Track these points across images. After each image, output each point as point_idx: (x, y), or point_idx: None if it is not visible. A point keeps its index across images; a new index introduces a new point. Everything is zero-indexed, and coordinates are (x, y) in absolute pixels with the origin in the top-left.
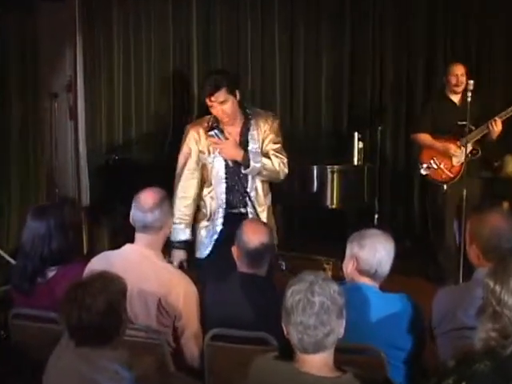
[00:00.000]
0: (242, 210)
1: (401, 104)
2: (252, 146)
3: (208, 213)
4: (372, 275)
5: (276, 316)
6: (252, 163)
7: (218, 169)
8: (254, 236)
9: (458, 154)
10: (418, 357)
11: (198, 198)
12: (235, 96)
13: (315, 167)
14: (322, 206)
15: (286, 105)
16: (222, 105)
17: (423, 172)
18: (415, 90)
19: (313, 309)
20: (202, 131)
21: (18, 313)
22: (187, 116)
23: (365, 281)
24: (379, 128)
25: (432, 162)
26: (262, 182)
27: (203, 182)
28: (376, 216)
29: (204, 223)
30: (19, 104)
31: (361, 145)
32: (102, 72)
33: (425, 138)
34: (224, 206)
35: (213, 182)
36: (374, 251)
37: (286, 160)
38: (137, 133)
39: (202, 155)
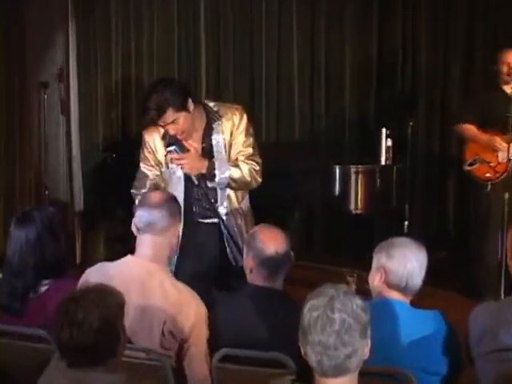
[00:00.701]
0: (208, 221)
1: (435, 97)
2: (217, 153)
3: None
4: (402, 289)
5: (293, 335)
6: (218, 176)
7: (176, 181)
8: (270, 243)
9: (504, 149)
10: (454, 382)
11: None
12: (187, 110)
13: (338, 167)
14: (345, 211)
15: (306, 99)
16: (174, 124)
17: (466, 168)
18: (451, 81)
19: (333, 327)
20: (158, 138)
21: (2, 330)
22: None
23: (394, 295)
24: (410, 123)
25: (476, 157)
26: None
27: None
28: (406, 223)
29: None
30: (3, 95)
31: (389, 142)
32: (97, 60)
33: (469, 129)
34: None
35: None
36: (405, 262)
37: (258, 167)
38: (138, 128)
39: (160, 166)
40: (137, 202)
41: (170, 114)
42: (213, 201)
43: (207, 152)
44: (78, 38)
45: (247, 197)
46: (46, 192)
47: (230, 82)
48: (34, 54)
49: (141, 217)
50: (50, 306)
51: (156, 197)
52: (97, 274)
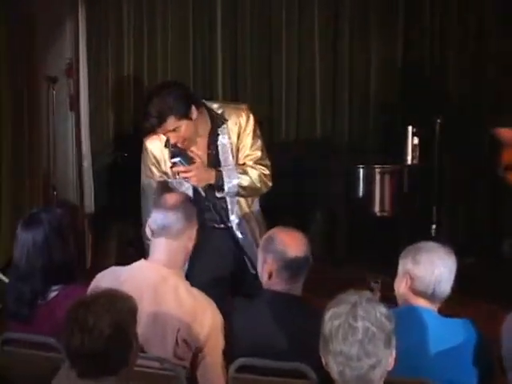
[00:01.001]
0: (221, 226)
1: (465, 91)
2: (224, 159)
3: None
4: (429, 296)
5: (314, 344)
6: (226, 185)
7: (184, 188)
8: (291, 245)
9: None
10: None
11: None
12: (189, 117)
13: (362, 168)
14: (369, 214)
15: (328, 94)
16: (175, 132)
17: (502, 173)
18: (485, 75)
19: (355, 336)
20: (161, 146)
21: (9, 338)
22: None
23: (420, 303)
24: (438, 120)
25: None
26: None
27: None
28: (433, 226)
29: None
30: (9, 91)
31: (416, 140)
32: (108, 53)
33: (507, 133)
34: None
35: None
36: (432, 268)
37: (268, 171)
38: None
39: (166, 178)
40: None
41: (171, 123)
42: (223, 211)
43: (213, 159)
44: (88, 28)
45: (257, 199)
46: (55, 193)
47: (249, 85)
48: (42, 47)
49: (155, 219)
50: (60, 313)
51: (171, 198)
52: (108, 278)
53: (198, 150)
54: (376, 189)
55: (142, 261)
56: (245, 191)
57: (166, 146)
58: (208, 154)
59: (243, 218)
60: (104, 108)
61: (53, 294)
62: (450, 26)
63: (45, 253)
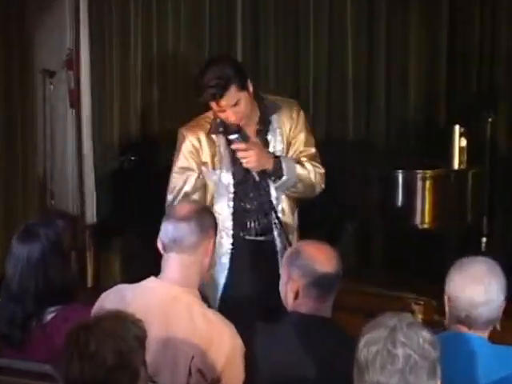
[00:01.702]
0: (262, 238)
1: None
2: (276, 150)
3: None
4: (464, 320)
5: (346, 373)
6: (285, 172)
7: (224, 189)
8: (321, 259)
9: None
10: None
11: None
12: (247, 89)
13: (400, 173)
14: (409, 225)
15: (362, 89)
16: (235, 107)
17: None
18: None
19: (395, 365)
20: (203, 136)
21: (1, 365)
22: None
23: (460, 328)
24: (489, 120)
25: None
26: (289, 197)
27: None
28: (484, 239)
29: None
30: (1, 85)
31: (463, 142)
32: (113, 44)
33: None
34: (231, 238)
35: (216, 209)
36: (463, 287)
37: (323, 170)
38: (161, 125)
39: (205, 170)
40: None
41: (233, 93)
42: (265, 219)
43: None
44: (90, 14)
45: (297, 210)
46: (52, 201)
47: (272, 79)
48: (37, 35)
49: (166, 231)
50: (57, 339)
51: (184, 208)
52: (113, 298)
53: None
54: (417, 197)
55: (152, 278)
56: (301, 185)
57: (211, 132)
58: None
59: (285, 227)
60: (108, 105)
61: (49, 317)
62: (502, 8)
63: (40, 271)
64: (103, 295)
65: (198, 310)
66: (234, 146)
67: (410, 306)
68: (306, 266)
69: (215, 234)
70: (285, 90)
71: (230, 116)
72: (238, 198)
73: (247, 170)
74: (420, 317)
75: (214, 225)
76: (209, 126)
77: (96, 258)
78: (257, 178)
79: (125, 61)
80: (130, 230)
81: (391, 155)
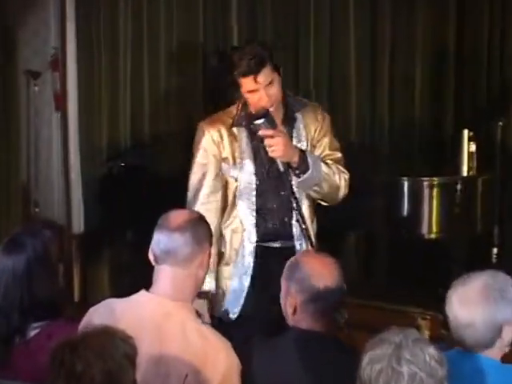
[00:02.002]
0: (283, 244)
1: None
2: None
3: (228, 253)
4: (460, 342)
5: None
6: (312, 167)
7: (245, 186)
8: (320, 274)
9: None
10: None
11: (218, 231)
12: (279, 73)
13: (406, 180)
14: (415, 236)
15: (365, 90)
16: (268, 88)
17: None
18: None
19: (400, 383)
20: (224, 131)
21: None
22: (226, 102)
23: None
24: (499, 123)
25: None
26: (309, 201)
27: (222, 207)
28: (495, 250)
29: (223, 269)
30: None
31: (473, 147)
32: (101, 42)
33: None
34: (254, 240)
35: (238, 207)
36: (458, 307)
37: (347, 176)
38: (152, 129)
39: (225, 166)
40: None
41: (269, 71)
42: (286, 223)
43: None
44: (77, 12)
45: (315, 220)
46: (37, 209)
47: None
48: (21, 35)
49: (158, 242)
50: (41, 357)
51: (178, 217)
52: (102, 313)
53: None
54: (424, 206)
55: (143, 292)
56: (326, 185)
57: (234, 124)
58: None
59: (306, 235)
60: (96, 108)
61: (33, 333)
62: None
63: (25, 284)
64: (91, 310)
65: (192, 326)
66: (260, 132)
67: (416, 320)
68: (303, 281)
69: (211, 245)
70: None
71: (263, 97)
72: (260, 196)
73: (271, 163)
74: (426, 332)
75: (210, 235)
76: (231, 121)
77: (83, 271)
78: (281, 169)
79: (114, 61)
80: (119, 241)
81: (396, 161)
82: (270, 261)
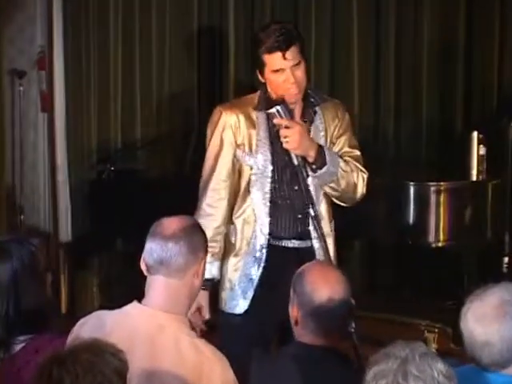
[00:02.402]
0: (298, 244)
1: None
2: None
3: (238, 244)
4: (476, 360)
5: None
6: (329, 162)
7: (260, 174)
8: (322, 287)
9: None
10: None
11: (228, 220)
12: (306, 59)
13: (412, 185)
14: (422, 244)
15: (368, 89)
16: (295, 69)
17: None
18: None
19: None
20: (242, 116)
21: None
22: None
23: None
24: (511, 125)
25: None
26: (327, 200)
27: (235, 195)
28: (506, 260)
29: (232, 261)
30: None
31: (482, 150)
32: (90, 40)
33: None
34: (267, 232)
35: (252, 196)
36: (473, 325)
37: (366, 175)
38: (144, 131)
39: (240, 152)
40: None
41: (298, 51)
42: (305, 208)
43: None
44: (65, 8)
45: (333, 220)
46: (22, 217)
47: None
48: (6, 32)
49: (151, 252)
50: (26, 373)
51: (172, 225)
52: (91, 326)
53: None
54: (431, 212)
55: (135, 304)
56: (344, 182)
57: (257, 108)
58: None
59: (320, 235)
60: (85, 109)
61: (19, 347)
62: None
63: (11, 297)
64: (80, 322)
65: (186, 340)
66: (275, 121)
67: (423, 333)
68: (304, 295)
69: (206, 254)
70: None
71: (289, 77)
72: (275, 186)
73: (286, 155)
74: (434, 346)
75: (205, 243)
76: (250, 108)
77: (71, 281)
78: (295, 162)
79: (103, 59)
80: (109, 249)
81: (401, 165)
82: (283, 262)
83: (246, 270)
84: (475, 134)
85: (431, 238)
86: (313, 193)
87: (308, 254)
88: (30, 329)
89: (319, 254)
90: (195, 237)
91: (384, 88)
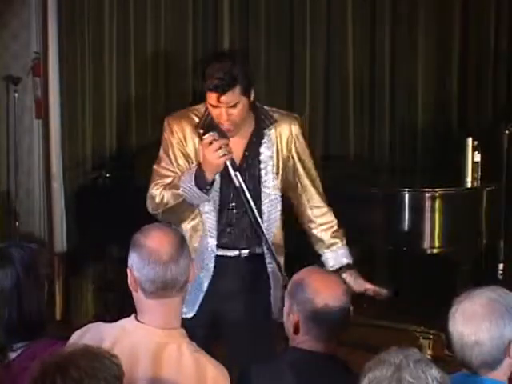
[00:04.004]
0: (247, 253)
1: None
2: (267, 163)
3: None
4: (462, 363)
5: None
6: (266, 213)
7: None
8: (325, 293)
9: None
10: None
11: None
12: (249, 97)
13: (407, 192)
14: (416, 251)
15: (363, 95)
16: (231, 109)
17: None
18: None
19: None
20: (189, 129)
21: None
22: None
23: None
24: (506, 132)
25: None
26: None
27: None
28: (500, 266)
29: None
30: None
31: (477, 157)
32: (86, 46)
33: None
34: (214, 243)
35: (200, 206)
36: (462, 324)
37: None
38: (139, 138)
39: (188, 164)
40: None
41: (236, 94)
42: (249, 229)
43: (250, 165)
44: (60, 15)
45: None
46: (17, 223)
47: (262, 91)
48: (0, 39)
49: (150, 278)
50: (22, 380)
51: (163, 245)
52: (89, 340)
53: (235, 151)
54: (426, 219)
55: (132, 320)
56: None
57: (197, 127)
58: (243, 156)
59: (274, 245)
60: (80, 115)
61: (15, 354)
62: None
63: (14, 301)
64: (76, 335)
65: (188, 355)
66: (209, 140)
67: (418, 340)
68: (306, 302)
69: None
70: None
71: (223, 115)
72: (222, 198)
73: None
74: (429, 352)
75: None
76: (197, 120)
77: (65, 287)
78: (236, 183)
79: (98, 66)
80: (103, 256)
81: (396, 172)
82: (232, 271)
83: (195, 279)
84: (470, 140)
85: (426, 244)
86: (264, 206)
87: (256, 263)
88: (31, 334)
89: (268, 263)
90: (186, 247)
91: (379, 97)
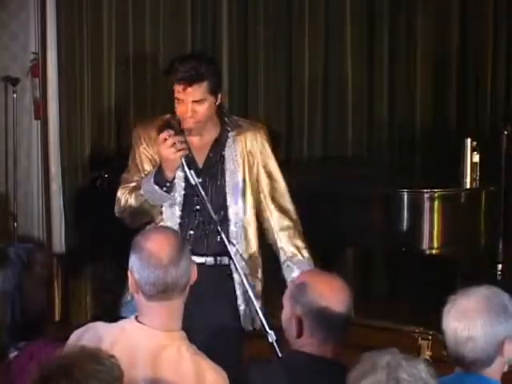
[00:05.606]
0: (211, 260)
1: None
2: (231, 172)
3: None
4: (456, 360)
5: None
6: (231, 208)
7: (172, 192)
8: (331, 295)
9: None
10: None
11: None
12: (216, 98)
13: (405, 193)
14: (415, 252)
15: (362, 99)
16: (196, 104)
17: None
18: None
19: None
20: (154, 135)
21: None
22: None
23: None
24: (504, 132)
25: None
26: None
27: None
28: (499, 266)
29: None
30: None
31: (476, 157)
32: (84, 47)
33: None
34: None
35: (164, 214)
36: (456, 320)
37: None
38: None
39: (151, 168)
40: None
41: (202, 89)
42: (214, 234)
43: (213, 168)
44: (59, 14)
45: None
46: (15, 224)
47: (261, 94)
48: None
49: (151, 281)
50: (21, 380)
51: (166, 246)
52: (88, 341)
53: (198, 153)
54: (424, 219)
55: (132, 321)
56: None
57: (160, 130)
58: (207, 157)
59: (245, 251)
60: (79, 116)
61: (12, 355)
62: None
63: (17, 301)
64: (75, 336)
65: (187, 357)
66: (164, 135)
67: (417, 340)
68: (311, 305)
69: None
70: (276, 108)
71: (188, 111)
72: (185, 204)
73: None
74: (427, 353)
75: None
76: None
77: (64, 289)
78: (192, 181)
79: (98, 66)
80: (103, 257)
81: (395, 173)
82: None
83: None
84: (469, 141)
85: (425, 245)
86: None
87: (224, 271)
88: (32, 333)
89: (235, 270)
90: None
91: (377, 97)
